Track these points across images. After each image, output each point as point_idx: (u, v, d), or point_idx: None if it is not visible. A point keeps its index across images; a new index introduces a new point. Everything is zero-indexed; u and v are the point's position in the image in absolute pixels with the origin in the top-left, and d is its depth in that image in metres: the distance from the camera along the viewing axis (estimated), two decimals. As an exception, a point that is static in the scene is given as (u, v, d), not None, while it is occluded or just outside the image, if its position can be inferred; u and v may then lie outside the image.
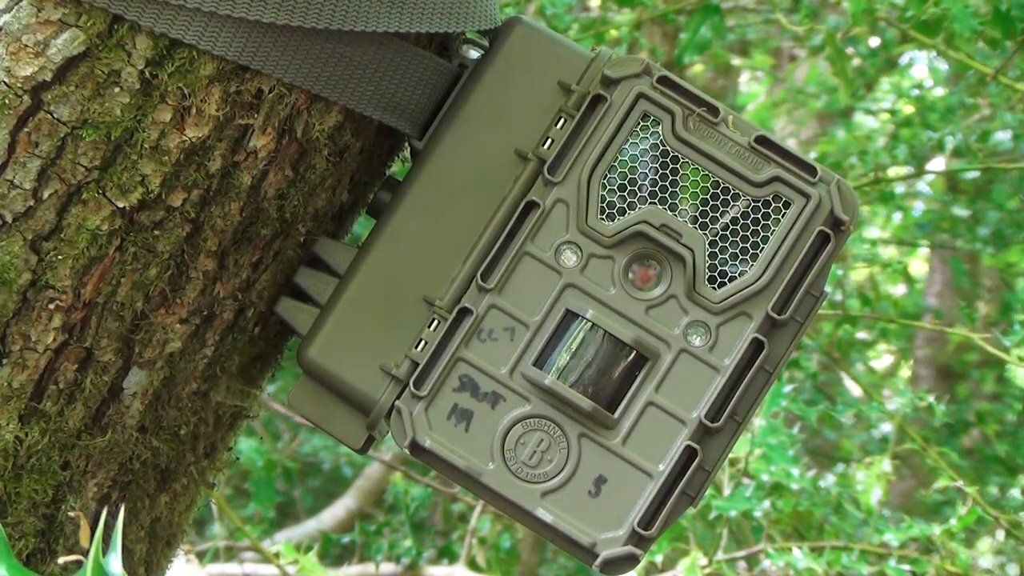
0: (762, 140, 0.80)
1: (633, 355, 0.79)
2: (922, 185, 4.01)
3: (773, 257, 0.80)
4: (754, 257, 0.80)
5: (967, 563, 2.05)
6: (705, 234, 0.80)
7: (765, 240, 0.80)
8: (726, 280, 0.80)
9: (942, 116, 3.11)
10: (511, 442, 0.80)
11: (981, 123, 3.13)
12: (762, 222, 0.80)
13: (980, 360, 4.25)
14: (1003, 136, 3.14)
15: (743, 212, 0.80)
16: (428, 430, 0.79)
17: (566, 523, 0.79)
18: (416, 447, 0.79)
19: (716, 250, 0.80)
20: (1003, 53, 2.26)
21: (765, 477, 2.07)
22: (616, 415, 0.79)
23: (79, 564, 0.78)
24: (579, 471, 0.80)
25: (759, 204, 0.80)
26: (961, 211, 3.52)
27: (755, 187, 0.80)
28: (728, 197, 0.80)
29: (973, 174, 3.36)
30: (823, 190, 0.80)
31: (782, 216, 0.80)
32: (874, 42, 3.21)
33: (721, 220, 0.80)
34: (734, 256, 0.80)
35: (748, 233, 0.80)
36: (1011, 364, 2.04)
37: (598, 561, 0.78)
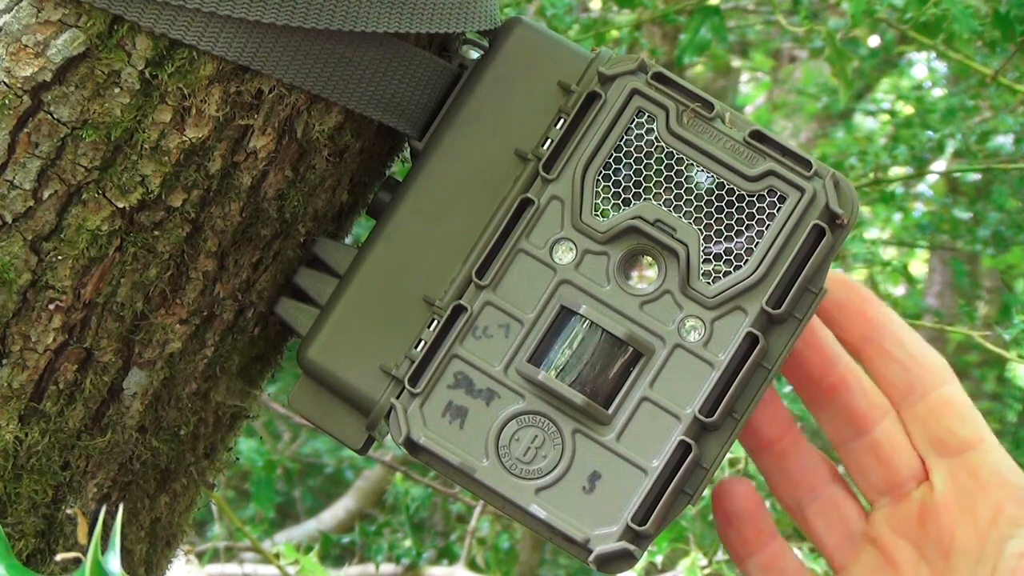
0: (757, 135, 0.80)
1: (630, 352, 0.79)
2: (923, 186, 4.01)
3: (767, 251, 0.79)
4: (749, 252, 0.80)
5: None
6: (700, 229, 0.80)
7: (760, 235, 0.80)
8: (720, 275, 0.80)
9: (942, 117, 3.11)
10: (505, 438, 0.79)
11: (981, 124, 3.13)
12: (757, 216, 0.80)
13: (980, 360, 4.25)
14: (1004, 140, 3.14)
15: (738, 207, 0.80)
16: (423, 427, 0.79)
17: (560, 519, 0.78)
18: (411, 444, 0.79)
19: (711, 245, 0.80)
20: (1003, 55, 2.26)
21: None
22: (610, 411, 0.79)
23: (78, 562, 0.78)
24: (573, 467, 0.79)
25: (754, 199, 0.80)
26: (961, 213, 3.51)
27: (749, 182, 0.80)
28: (723, 192, 0.80)
29: (974, 176, 3.36)
30: (818, 184, 0.79)
31: (777, 210, 0.80)
32: (873, 42, 3.21)
33: (716, 215, 0.80)
34: (729, 251, 0.80)
35: (743, 228, 0.80)
36: (1012, 361, 2.04)
37: (592, 557, 0.78)
